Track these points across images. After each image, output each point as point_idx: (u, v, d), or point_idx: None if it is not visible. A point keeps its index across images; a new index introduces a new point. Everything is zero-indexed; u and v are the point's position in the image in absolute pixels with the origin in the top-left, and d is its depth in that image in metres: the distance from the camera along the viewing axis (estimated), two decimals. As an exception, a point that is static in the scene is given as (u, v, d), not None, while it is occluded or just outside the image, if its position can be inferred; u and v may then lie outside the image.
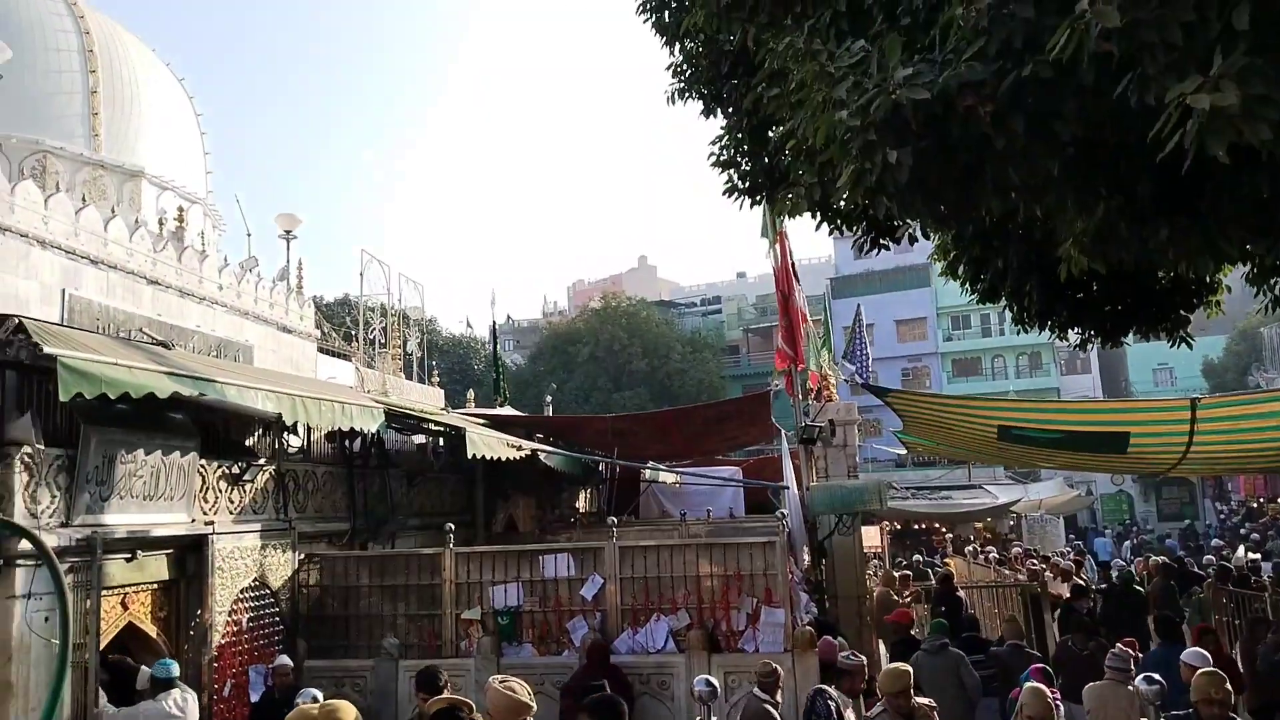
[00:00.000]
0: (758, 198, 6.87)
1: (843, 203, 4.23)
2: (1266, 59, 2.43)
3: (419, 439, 14.47)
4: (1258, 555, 18.09)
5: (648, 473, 17.25)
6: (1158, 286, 7.11)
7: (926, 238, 6.29)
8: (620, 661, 9.04)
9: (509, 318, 66.30)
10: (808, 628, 9.12)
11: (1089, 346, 8.40)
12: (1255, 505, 37.77)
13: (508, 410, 20.30)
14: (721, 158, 6.61)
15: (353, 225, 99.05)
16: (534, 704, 5.21)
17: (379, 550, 11.32)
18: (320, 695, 6.63)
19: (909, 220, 3.60)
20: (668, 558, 9.62)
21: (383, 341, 23.75)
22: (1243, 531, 26.74)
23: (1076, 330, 7.59)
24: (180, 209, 17.14)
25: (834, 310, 36.38)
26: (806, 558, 11.89)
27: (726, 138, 6.39)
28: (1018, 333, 7.66)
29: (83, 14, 16.92)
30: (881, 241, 6.78)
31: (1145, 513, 43.02)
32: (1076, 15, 2.58)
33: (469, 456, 11.28)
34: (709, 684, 5.47)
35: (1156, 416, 11.61)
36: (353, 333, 25.05)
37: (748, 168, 6.68)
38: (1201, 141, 2.48)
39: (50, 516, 7.14)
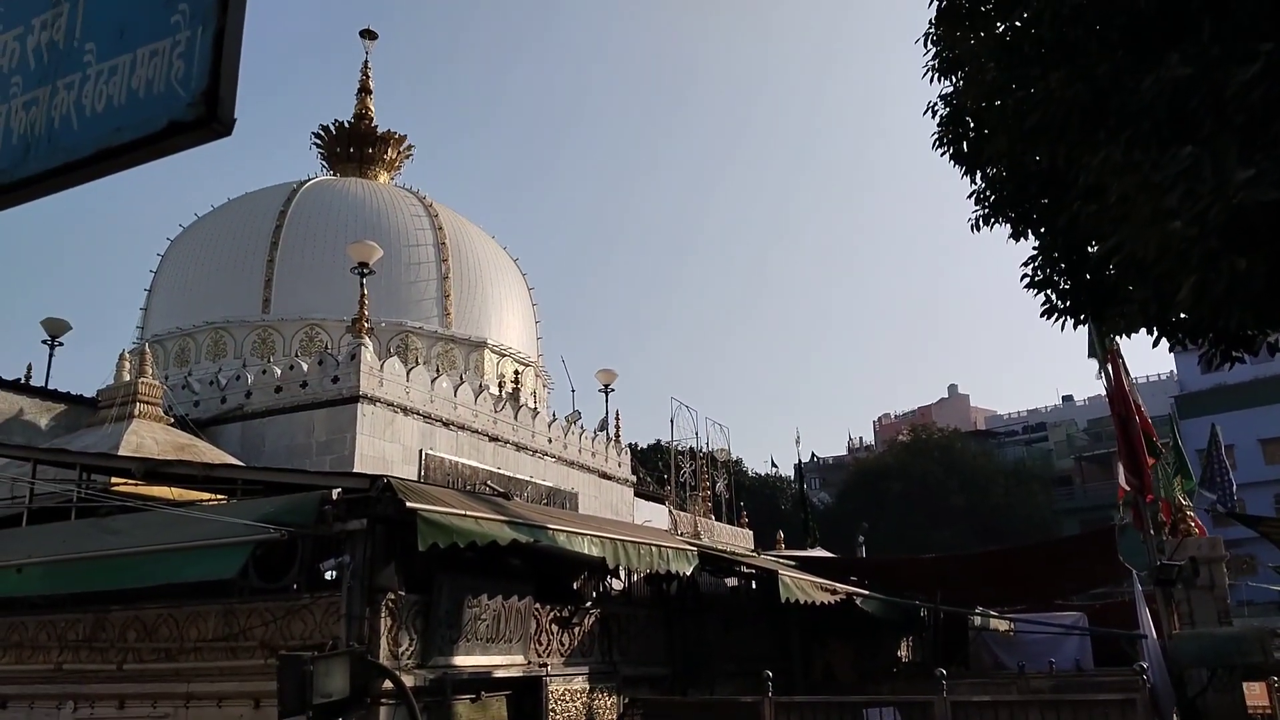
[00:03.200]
0: (1080, 317, 6.42)
1: (1184, 315, 3.83)
2: None
3: (731, 581, 14.49)
4: None
5: (977, 619, 15.96)
6: None
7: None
8: (962, 832, 8.22)
9: (814, 455, 65.55)
10: (1188, 806, 7.82)
11: None
12: None
13: (819, 551, 19.85)
14: (1036, 278, 6.29)
15: (663, 372, 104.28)
16: None
17: (699, 697, 11.28)
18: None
19: (1269, 330, 3.19)
20: (1008, 715, 8.75)
21: (693, 484, 24.40)
22: None
23: None
24: (516, 372, 19.03)
25: (1183, 432, 32.28)
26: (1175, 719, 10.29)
27: (1041, 258, 6.08)
28: None
29: (437, 213, 19.77)
30: (1235, 353, 6.04)
31: None
32: None
33: (782, 600, 11.10)
34: None
35: None
36: (665, 476, 26.00)
37: (1066, 286, 6.29)
38: None
39: (409, 658, 7.87)
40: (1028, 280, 6.57)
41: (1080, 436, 55.43)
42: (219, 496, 9.83)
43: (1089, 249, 5.85)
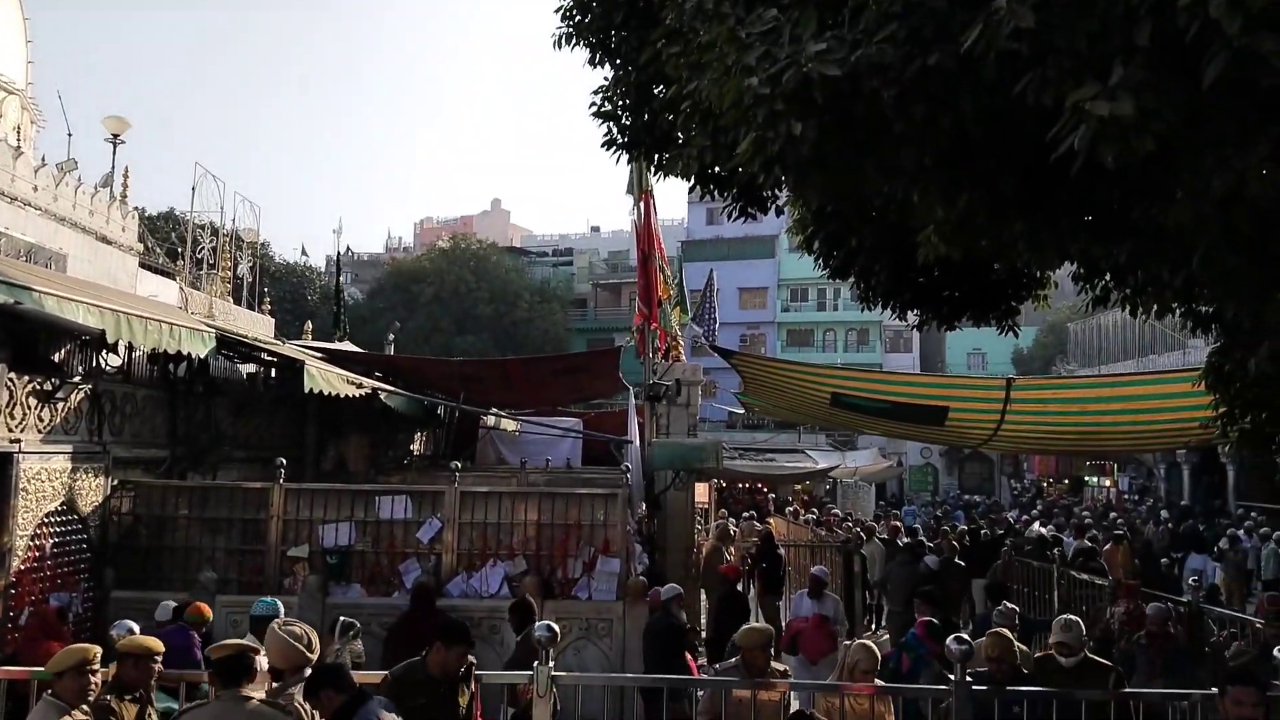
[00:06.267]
0: (634, 154, 6.84)
1: (729, 170, 4.27)
2: (1160, 74, 2.63)
3: (249, 368, 13.78)
4: (1043, 528, 19.78)
5: (490, 419, 17.10)
6: (992, 277, 7.56)
7: (786, 210, 6.45)
8: (451, 605, 8.98)
9: (349, 249, 63.79)
10: (640, 578, 9.37)
11: (925, 328, 8.84)
12: (1046, 485, 41.46)
13: (347, 345, 19.61)
14: (603, 109, 6.52)
15: (185, 137, 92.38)
16: (315, 654, 5.09)
17: (200, 481, 10.76)
18: (136, 628, 6.29)
19: (802, 192, 3.68)
20: (509, 504, 9.63)
21: (211, 262, 22.50)
22: (1036, 510, 29.33)
23: (916, 312, 7.94)
24: (-8, 97, 15.50)
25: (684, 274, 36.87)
26: (642, 510, 12.16)
27: (612, 90, 6.29)
28: (863, 309, 8.00)
29: None
30: (750, 210, 6.91)
31: (948, 485, 46.35)
32: (991, 11, 2.70)
33: (306, 391, 10.84)
34: (549, 629, 5.52)
35: (974, 394, 12.52)
36: (178, 250, 23.59)
37: (628, 122, 6.62)
38: (1093, 147, 2.67)
39: None
40: (595, 109, 6.81)
41: (600, 265, 60.68)
42: None
43: (655, 90, 6.19)
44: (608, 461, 17.36)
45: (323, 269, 52.75)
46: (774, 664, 5.99)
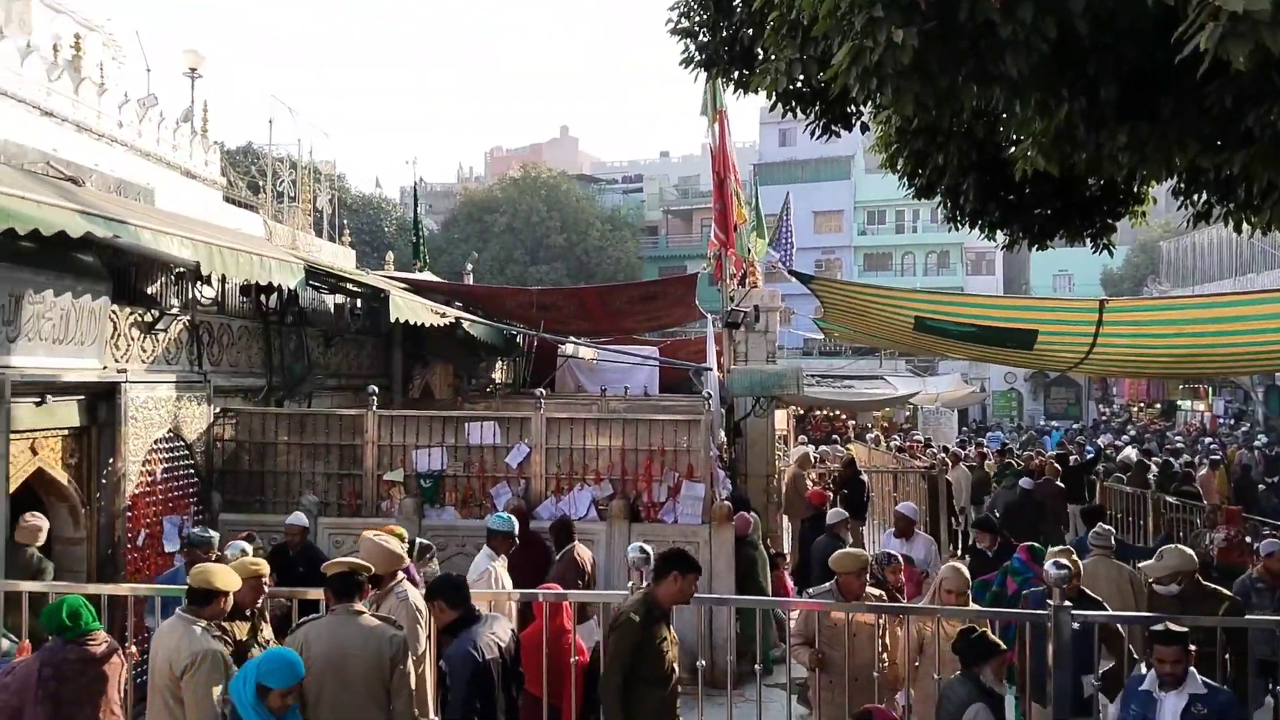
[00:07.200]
0: (713, 71, 6.68)
1: (820, 83, 4.12)
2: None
3: (335, 299, 14.11)
4: (1132, 452, 19.32)
5: (568, 348, 17.27)
6: (1086, 194, 7.25)
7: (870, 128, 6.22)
8: (541, 527, 9.22)
9: (421, 180, 64.22)
10: (725, 502, 9.46)
11: (1015, 248, 8.53)
12: (1136, 409, 40.32)
13: (428, 276, 19.92)
14: (680, 25, 6.37)
15: (258, 71, 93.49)
16: (407, 560, 5.58)
17: (298, 408, 11.16)
18: (249, 549, 6.63)
19: (898, 105, 3.55)
20: (594, 430, 9.78)
21: (291, 195, 22.85)
22: (1128, 435, 28.61)
23: (1005, 231, 7.67)
24: (76, 36, 15.81)
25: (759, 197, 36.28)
26: (722, 437, 12.21)
27: (689, 5, 6.13)
28: (950, 229, 7.77)
29: None
30: (834, 128, 6.72)
31: (1033, 411, 45.40)
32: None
33: (392, 320, 11.07)
34: (643, 550, 5.62)
35: (1065, 315, 12.08)
36: (259, 183, 23.99)
37: (706, 39, 6.47)
38: (1221, 46, 2.51)
39: (-46, 356, 6.79)
40: (672, 25, 6.65)
41: (671, 191, 60.06)
42: None
43: (735, 4, 6.01)
44: (683, 389, 17.43)
45: (397, 200, 53.35)
46: (869, 589, 6.01)
